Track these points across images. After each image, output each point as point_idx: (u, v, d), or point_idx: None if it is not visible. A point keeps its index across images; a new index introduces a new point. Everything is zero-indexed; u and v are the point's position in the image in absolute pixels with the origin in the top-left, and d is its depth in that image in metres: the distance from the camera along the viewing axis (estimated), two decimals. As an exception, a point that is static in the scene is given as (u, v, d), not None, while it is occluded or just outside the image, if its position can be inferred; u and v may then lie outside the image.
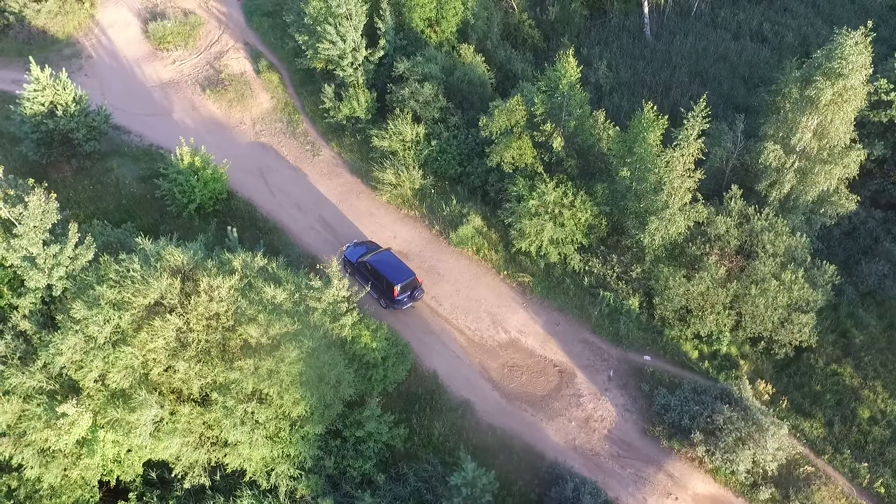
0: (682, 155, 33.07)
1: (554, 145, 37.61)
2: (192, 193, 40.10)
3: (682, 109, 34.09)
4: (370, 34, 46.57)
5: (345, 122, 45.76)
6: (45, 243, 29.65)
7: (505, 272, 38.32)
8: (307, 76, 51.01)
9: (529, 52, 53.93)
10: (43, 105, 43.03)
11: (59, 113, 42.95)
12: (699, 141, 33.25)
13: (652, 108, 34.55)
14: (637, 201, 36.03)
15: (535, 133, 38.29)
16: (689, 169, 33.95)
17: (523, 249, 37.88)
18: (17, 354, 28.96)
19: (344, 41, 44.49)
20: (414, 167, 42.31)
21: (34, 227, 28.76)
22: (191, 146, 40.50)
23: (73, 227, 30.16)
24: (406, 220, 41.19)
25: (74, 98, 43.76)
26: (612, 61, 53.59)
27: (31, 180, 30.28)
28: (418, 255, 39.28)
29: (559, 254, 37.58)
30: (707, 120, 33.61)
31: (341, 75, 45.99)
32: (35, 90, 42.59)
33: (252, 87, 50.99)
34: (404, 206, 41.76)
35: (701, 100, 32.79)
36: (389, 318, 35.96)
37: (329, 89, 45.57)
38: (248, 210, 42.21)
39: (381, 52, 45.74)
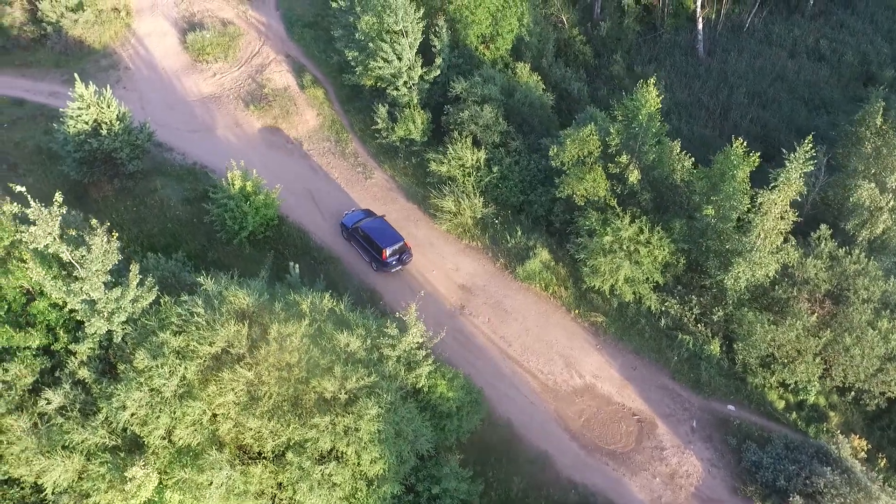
0: (780, 198, 30.71)
1: (630, 179, 35.28)
2: (243, 220, 37.77)
3: (772, 147, 31.64)
4: (423, 51, 44.13)
5: (398, 143, 43.38)
6: (106, 286, 27.31)
7: (576, 310, 36.04)
8: (354, 92, 48.62)
9: (581, 70, 51.49)
10: (87, 123, 40.68)
11: (104, 132, 40.52)
12: (799, 182, 30.85)
13: (742, 143, 32.23)
14: (720, 241, 33.74)
15: (609, 165, 35.90)
16: (784, 211, 31.62)
17: (596, 287, 35.57)
18: (77, 405, 26.69)
19: (400, 59, 42.06)
20: (474, 194, 39.95)
21: (96, 270, 26.41)
22: (241, 169, 38.10)
23: (133, 269, 27.84)
24: (468, 252, 38.86)
25: (118, 115, 41.35)
26: (668, 81, 51.12)
27: (95, 221, 27.73)
28: (482, 289, 36.98)
29: (634, 292, 35.28)
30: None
31: (394, 95, 43.56)
32: (79, 108, 40.19)
33: (297, 103, 48.56)
34: (465, 235, 39.42)
35: (806, 141, 30.34)
36: (461, 363, 33.63)
37: (383, 110, 43.18)
38: (300, 237, 39.87)
39: (437, 72, 43.27)
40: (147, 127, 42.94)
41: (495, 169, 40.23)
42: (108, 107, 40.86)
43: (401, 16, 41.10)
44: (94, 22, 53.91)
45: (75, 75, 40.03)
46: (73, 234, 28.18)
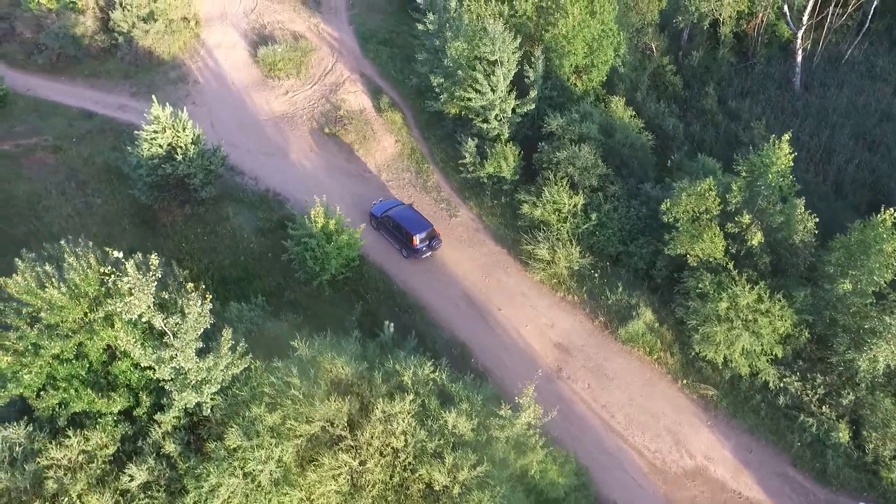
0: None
1: (752, 241, 31.89)
2: (325, 262, 34.91)
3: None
4: (513, 81, 40.87)
5: (485, 179, 40.25)
6: (197, 353, 24.62)
7: (683, 380, 32.79)
8: (434, 118, 45.57)
9: (672, 103, 47.95)
10: (161, 147, 38.05)
11: (179, 157, 37.90)
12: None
13: (893, 214, 28.68)
14: (854, 317, 30.24)
15: (727, 224, 32.52)
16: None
17: (706, 356, 32.28)
18: (163, 483, 24.07)
19: (494, 91, 38.89)
20: (570, 242, 36.76)
21: (189, 340, 23.71)
22: (323, 204, 35.14)
23: (226, 334, 25.06)
24: (564, 306, 35.70)
25: (193, 139, 38.70)
26: (762, 117, 47.34)
27: (191, 285, 25.03)
28: (581, 350, 33.84)
29: (749, 365, 31.93)
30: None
31: (484, 128, 40.40)
32: (155, 131, 37.59)
33: (374, 128, 45.60)
34: (560, 287, 36.27)
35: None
36: (562, 434, 30.55)
37: (472, 144, 40.05)
38: (382, 279, 36.99)
39: (532, 106, 40.01)
40: (221, 151, 40.27)
41: (593, 216, 36.98)
42: (184, 130, 38.15)
43: (498, 45, 37.90)
44: (164, 32, 51.38)
45: (153, 98, 37.37)
46: (165, 296, 25.39)
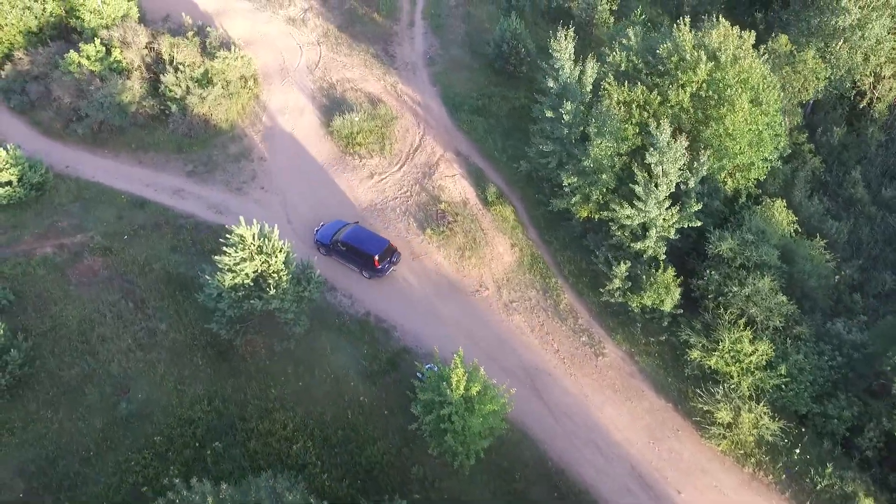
0: None
1: None
2: (469, 440, 27.03)
3: None
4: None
5: (636, 309, 32.42)
6: None
7: None
8: (555, 216, 37.63)
9: (821, 195, 40.20)
10: (248, 276, 29.85)
11: (271, 290, 29.72)
12: None
13: None
14: None
15: None
16: None
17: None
18: None
19: (658, 206, 31.00)
20: (755, 401, 29.15)
21: None
22: (456, 354, 27.09)
23: None
24: (757, 488, 28.23)
25: (286, 261, 30.54)
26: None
27: None
28: (789, 556, 26.32)
29: None
30: None
31: (636, 248, 32.49)
32: (242, 259, 29.36)
33: (483, 228, 37.55)
34: (748, 461, 28.77)
35: None
36: None
37: (623, 269, 32.11)
38: (529, 449, 29.27)
39: (696, 222, 32.06)
40: (316, 273, 32.05)
41: (782, 368, 29.29)
42: (276, 255, 29.93)
43: (668, 156, 29.92)
44: (222, 94, 42.74)
45: (240, 219, 29.06)
46: None
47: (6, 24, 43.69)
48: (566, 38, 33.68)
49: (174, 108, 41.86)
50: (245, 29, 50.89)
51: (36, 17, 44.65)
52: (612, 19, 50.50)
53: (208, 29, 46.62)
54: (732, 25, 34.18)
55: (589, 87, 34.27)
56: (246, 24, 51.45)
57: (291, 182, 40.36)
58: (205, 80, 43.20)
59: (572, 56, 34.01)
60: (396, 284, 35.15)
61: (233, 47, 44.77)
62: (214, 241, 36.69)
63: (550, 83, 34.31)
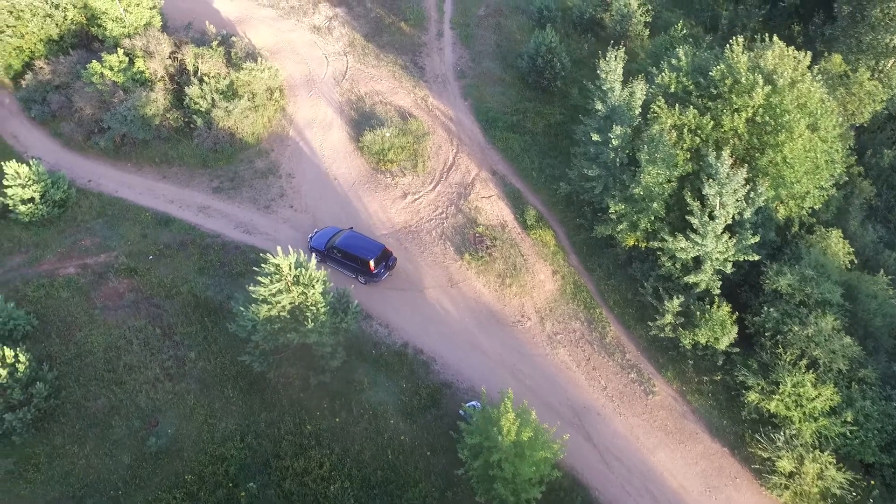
0: None
1: None
2: (521, 487, 25.44)
3: None
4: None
5: (688, 346, 30.80)
6: None
7: None
8: (598, 242, 35.97)
9: (876, 222, 38.48)
10: (285, 308, 28.23)
11: (309, 324, 28.11)
12: None
13: None
14: None
15: None
16: None
17: None
18: None
19: (716, 240, 29.34)
20: (815, 446, 27.54)
21: None
22: (507, 398, 25.44)
23: None
24: (823, 544, 26.53)
25: (323, 293, 28.93)
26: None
27: None
28: None
29: None
30: None
31: (687, 280, 30.83)
32: (279, 290, 27.73)
33: (523, 253, 35.93)
34: (812, 513, 27.07)
35: None
36: None
37: (675, 304, 30.45)
38: (581, 496, 27.66)
39: (753, 256, 30.34)
40: (353, 302, 30.42)
41: (847, 414, 27.65)
42: (313, 285, 28.31)
43: (728, 187, 28.27)
44: (247, 107, 41.10)
45: (278, 249, 27.36)
46: None
47: (27, 33, 42.01)
48: (616, 60, 31.95)
49: (199, 121, 40.26)
50: (269, 37, 49.29)
51: (57, 25, 43.02)
52: (646, 32, 48.81)
53: (233, 39, 44.98)
54: (770, 38, 32.38)
55: (637, 111, 32.55)
56: (270, 33, 49.84)
57: (321, 201, 38.73)
58: (230, 93, 41.60)
59: (621, 77, 32.28)
60: (435, 313, 33.55)
61: (259, 58, 43.02)
62: (243, 263, 35.24)
63: (598, 106, 32.58)
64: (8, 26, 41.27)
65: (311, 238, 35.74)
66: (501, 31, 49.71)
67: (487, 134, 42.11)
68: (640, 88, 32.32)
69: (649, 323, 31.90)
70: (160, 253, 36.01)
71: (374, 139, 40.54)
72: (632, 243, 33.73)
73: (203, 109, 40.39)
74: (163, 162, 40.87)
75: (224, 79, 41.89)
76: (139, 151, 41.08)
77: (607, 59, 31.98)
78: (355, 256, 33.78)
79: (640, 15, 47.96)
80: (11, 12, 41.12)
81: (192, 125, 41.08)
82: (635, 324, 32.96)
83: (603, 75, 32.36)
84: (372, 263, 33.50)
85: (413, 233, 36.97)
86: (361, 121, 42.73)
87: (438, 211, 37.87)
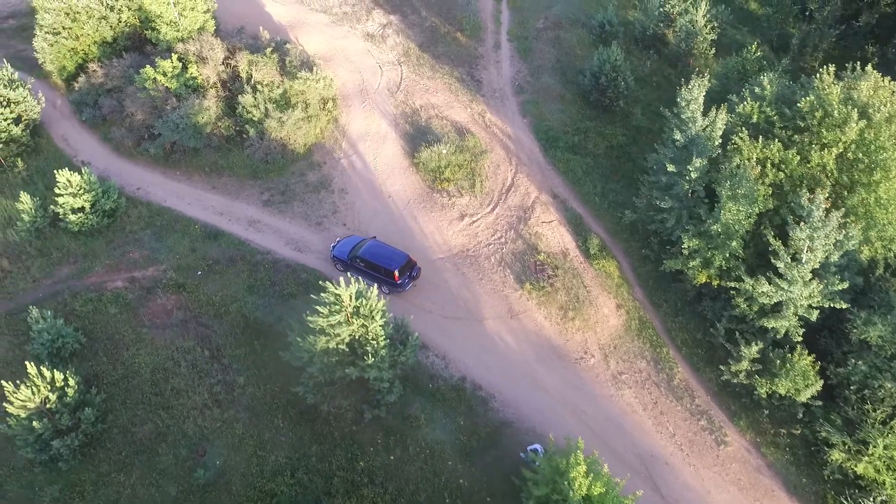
0: None
1: None
2: (591, 547, 23.72)
3: None
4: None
5: (763, 395, 28.80)
6: None
7: None
8: (665, 275, 34.02)
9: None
10: (344, 342, 26.80)
11: (369, 359, 26.64)
12: None
13: None
14: None
15: None
16: None
17: None
18: None
19: (805, 286, 27.32)
20: (907, 514, 25.44)
21: None
22: (578, 448, 23.77)
23: None
24: None
25: (384, 325, 27.39)
26: None
27: None
28: None
29: None
30: None
31: (765, 324, 28.80)
32: (339, 322, 26.27)
33: (586, 284, 34.13)
34: (903, 590, 24.99)
35: None
36: None
37: (753, 350, 28.47)
38: (649, 556, 25.84)
39: (840, 303, 28.25)
40: (412, 334, 28.88)
41: (943, 480, 25.49)
42: (373, 316, 26.81)
43: (823, 232, 26.22)
44: (301, 118, 39.78)
45: (329, 284, 25.83)
46: None
47: (82, 35, 41.11)
48: (699, 88, 30.00)
49: (252, 131, 39.00)
50: (321, 44, 47.98)
51: (111, 27, 42.10)
52: (712, 51, 46.66)
53: (287, 46, 43.66)
54: (841, 60, 30.03)
55: (717, 141, 30.58)
56: (322, 39, 48.54)
57: (375, 219, 37.30)
58: (283, 101, 40.31)
59: (702, 107, 30.33)
60: (494, 346, 31.94)
61: (315, 68, 41.66)
62: (294, 284, 33.99)
63: (677, 136, 30.66)
64: (64, 28, 40.38)
65: (332, 247, 34.81)
66: (561, 45, 47.86)
67: (547, 154, 40.36)
68: (721, 118, 30.37)
69: (721, 367, 29.99)
70: (209, 268, 34.83)
71: (430, 156, 38.99)
72: (703, 280, 31.77)
73: (256, 119, 39.15)
74: (212, 171, 39.72)
75: (277, 87, 40.64)
76: (189, 159, 39.98)
77: (689, 87, 30.01)
78: (380, 266, 33.04)
79: (707, 33, 45.81)
80: (68, 14, 40.21)
81: (243, 134, 39.84)
82: (704, 366, 31.06)
83: (683, 104, 30.44)
84: (397, 273, 32.70)
85: (471, 257, 35.37)
86: (416, 135, 41.21)
87: (497, 235, 36.22)
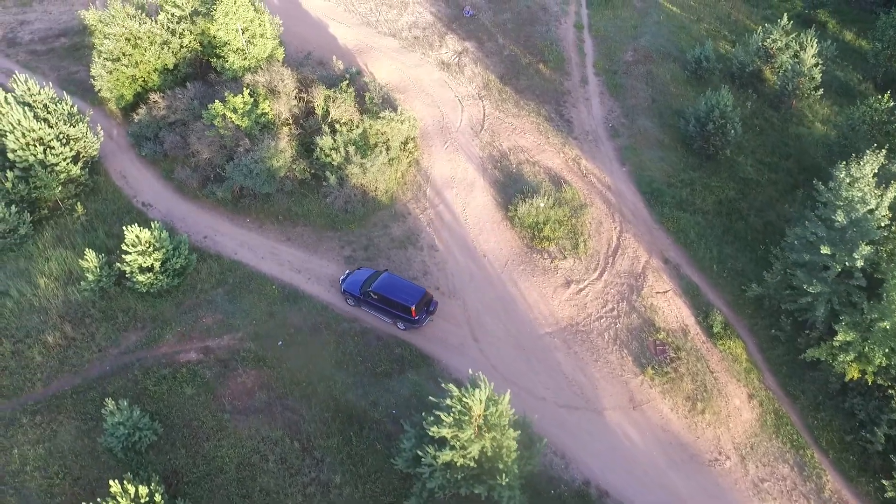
0: None
1: None
2: None
3: None
4: None
5: (938, 519, 25.20)
6: None
7: None
8: (803, 363, 30.31)
9: None
10: (473, 457, 23.09)
11: (503, 479, 22.93)
12: None
13: None
14: None
15: None
16: None
17: None
18: None
19: None
20: None
21: None
22: None
23: None
24: None
25: (517, 438, 23.70)
26: None
27: None
28: None
29: None
30: None
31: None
32: (469, 438, 22.60)
33: (712, 369, 30.47)
34: None
35: None
36: None
37: (933, 471, 24.82)
38: None
39: None
40: (544, 444, 25.16)
41: None
42: (504, 427, 23.17)
43: None
44: (384, 163, 35.96)
45: (472, 376, 22.17)
46: None
47: (142, 61, 37.14)
48: (870, 164, 26.20)
49: (332, 178, 35.11)
50: (392, 72, 44.09)
51: (173, 54, 38.07)
52: (819, 92, 42.80)
53: (365, 80, 39.77)
54: None
55: (885, 223, 26.83)
56: (393, 67, 44.63)
57: (471, 283, 33.56)
58: (362, 143, 36.43)
59: (873, 185, 26.55)
60: (618, 442, 28.29)
61: (398, 107, 37.77)
62: (387, 361, 30.42)
63: (840, 217, 26.86)
64: (124, 54, 36.41)
65: (342, 280, 32.41)
66: (654, 81, 43.95)
67: (653, 210, 36.60)
68: (888, 197, 26.60)
69: (884, 482, 26.34)
70: (290, 338, 31.14)
71: (527, 212, 35.30)
72: (855, 377, 28.11)
73: (335, 163, 35.27)
74: (286, 219, 35.93)
75: (357, 127, 36.77)
76: (260, 205, 36.21)
77: (861, 163, 26.19)
78: (395, 302, 30.77)
79: (817, 73, 41.89)
80: (129, 40, 36.23)
81: (321, 179, 36.01)
82: (857, 475, 27.48)
83: (848, 180, 26.64)
84: (414, 309, 30.49)
85: (582, 333, 31.67)
86: (507, 183, 37.45)
87: (608, 307, 32.50)
